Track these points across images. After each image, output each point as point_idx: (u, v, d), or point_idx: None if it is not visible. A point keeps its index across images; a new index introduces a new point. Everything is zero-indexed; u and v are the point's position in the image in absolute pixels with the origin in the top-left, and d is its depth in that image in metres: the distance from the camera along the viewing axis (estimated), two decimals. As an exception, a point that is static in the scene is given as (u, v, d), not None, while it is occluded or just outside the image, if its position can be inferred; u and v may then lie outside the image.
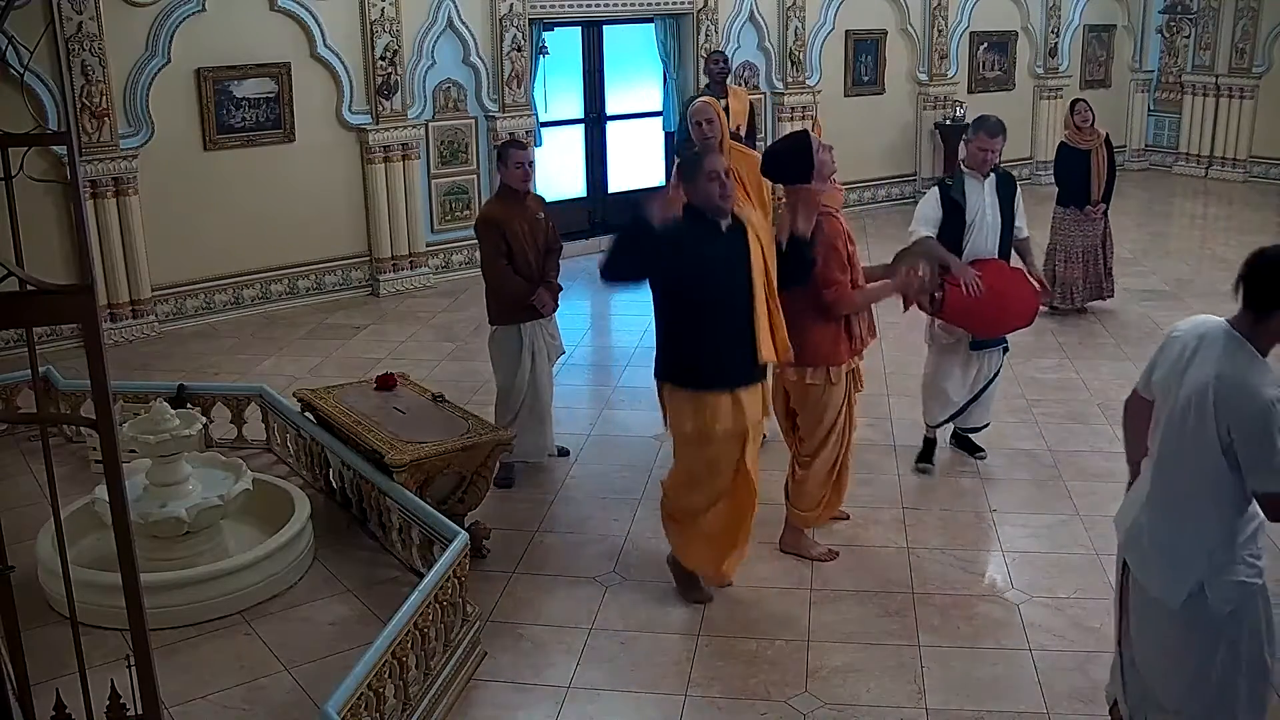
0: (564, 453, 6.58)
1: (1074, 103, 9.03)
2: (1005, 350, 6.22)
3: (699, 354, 4.55)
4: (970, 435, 6.41)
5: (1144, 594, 3.42)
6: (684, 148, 8.52)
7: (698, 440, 4.64)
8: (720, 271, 4.50)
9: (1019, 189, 6.08)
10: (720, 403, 4.56)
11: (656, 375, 4.77)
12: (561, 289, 6.24)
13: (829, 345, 5.03)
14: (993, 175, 5.89)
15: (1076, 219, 8.84)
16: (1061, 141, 9.07)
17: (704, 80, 11.58)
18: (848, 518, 5.68)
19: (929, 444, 6.33)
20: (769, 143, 6.91)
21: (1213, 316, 3.35)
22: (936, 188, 6.00)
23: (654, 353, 4.76)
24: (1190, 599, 3.27)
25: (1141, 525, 3.43)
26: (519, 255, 5.98)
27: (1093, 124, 8.73)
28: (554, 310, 6.18)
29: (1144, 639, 3.47)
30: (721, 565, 4.91)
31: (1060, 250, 8.91)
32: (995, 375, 6.20)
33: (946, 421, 6.28)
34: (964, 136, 5.96)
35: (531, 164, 6.18)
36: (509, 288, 6.01)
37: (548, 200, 11.25)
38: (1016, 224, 6.01)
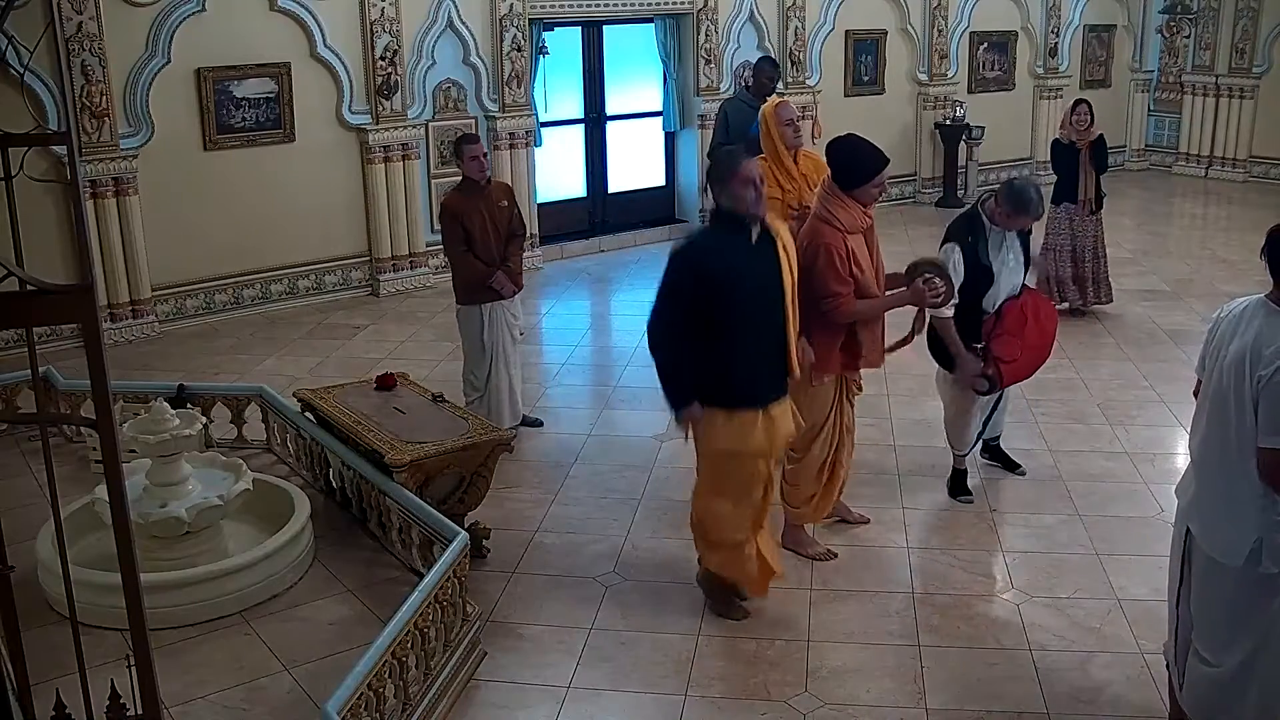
0: (537, 423, 6.98)
1: (1076, 103, 9.05)
2: None
3: (732, 371, 4.41)
4: (1001, 447, 6.23)
5: (1205, 557, 3.58)
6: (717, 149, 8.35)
7: (730, 459, 4.53)
8: (753, 285, 4.38)
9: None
10: (753, 420, 4.47)
11: None
12: (520, 273, 6.72)
13: (821, 353, 5.00)
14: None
15: (1069, 217, 8.86)
16: (1055, 139, 9.13)
17: (705, 80, 11.62)
18: (867, 521, 5.66)
19: (961, 475, 6.00)
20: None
21: (1255, 295, 3.55)
22: (958, 249, 5.45)
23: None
24: (1251, 554, 3.42)
25: (1201, 493, 3.58)
26: (479, 241, 6.50)
27: (1089, 127, 8.76)
28: (513, 292, 6.66)
29: (1203, 597, 3.62)
30: (767, 577, 4.83)
31: (1051, 250, 8.92)
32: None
33: (974, 446, 6.03)
34: (999, 204, 5.46)
35: (486, 155, 6.65)
36: (468, 271, 6.55)
37: (547, 200, 11.38)
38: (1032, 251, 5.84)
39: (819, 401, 5.16)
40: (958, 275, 5.40)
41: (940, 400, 6.05)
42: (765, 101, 8.33)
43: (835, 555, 5.33)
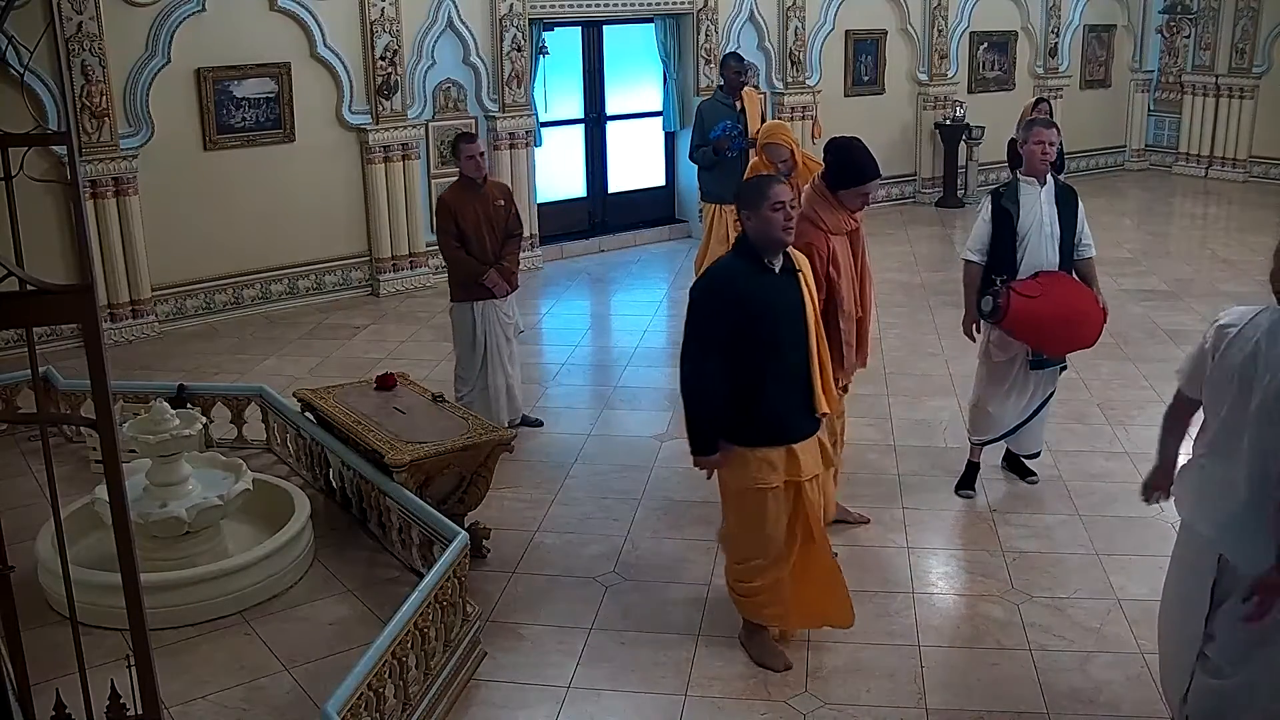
0: (537, 423, 6.98)
1: (1038, 101, 9.01)
2: (1063, 369, 5.94)
3: (754, 409, 4.24)
4: (1024, 460, 6.14)
5: (1238, 578, 3.44)
6: (710, 147, 8.35)
7: (751, 495, 4.35)
8: (777, 317, 4.23)
9: (1080, 202, 5.76)
10: (774, 458, 4.29)
11: None
12: (515, 272, 6.70)
13: None
14: (1051, 183, 5.62)
15: None
16: (1013, 139, 9.06)
17: (705, 80, 11.62)
18: (867, 521, 5.64)
19: (972, 468, 5.99)
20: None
21: (1258, 306, 3.42)
22: (989, 199, 5.67)
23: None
24: None
25: (1244, 517, 3.40)
26: (473, 238, 6.52)
27: None
28: (507, 292, 6.66)
29: (1235, 614, 3.47)
30: (848, 603, 4.56)
31: None
32: (1049, 397, 5.89)
33: (995, 441, 5.97)
34: (1018, 143, 5.65)
35: (483, 155, 6.64)
36: (460, 267, 6.57)
37: (547, 200, 11.38)
38: (1083, 240, 5.71)
39: None
40: (986, 231, 5.60)
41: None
42: (737, 97, 8.41)
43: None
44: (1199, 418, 3.67)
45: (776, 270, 4.27)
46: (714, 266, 4.43)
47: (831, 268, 4.91)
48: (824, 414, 4.40)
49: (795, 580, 4.49)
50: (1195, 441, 3.64)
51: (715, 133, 8.11)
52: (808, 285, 4.35)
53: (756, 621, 4.61)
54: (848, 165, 4.94)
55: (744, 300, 4.19)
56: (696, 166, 8.53)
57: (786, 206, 4.17)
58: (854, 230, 5.08)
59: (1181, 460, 3.76)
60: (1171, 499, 3.81)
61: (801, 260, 4.43)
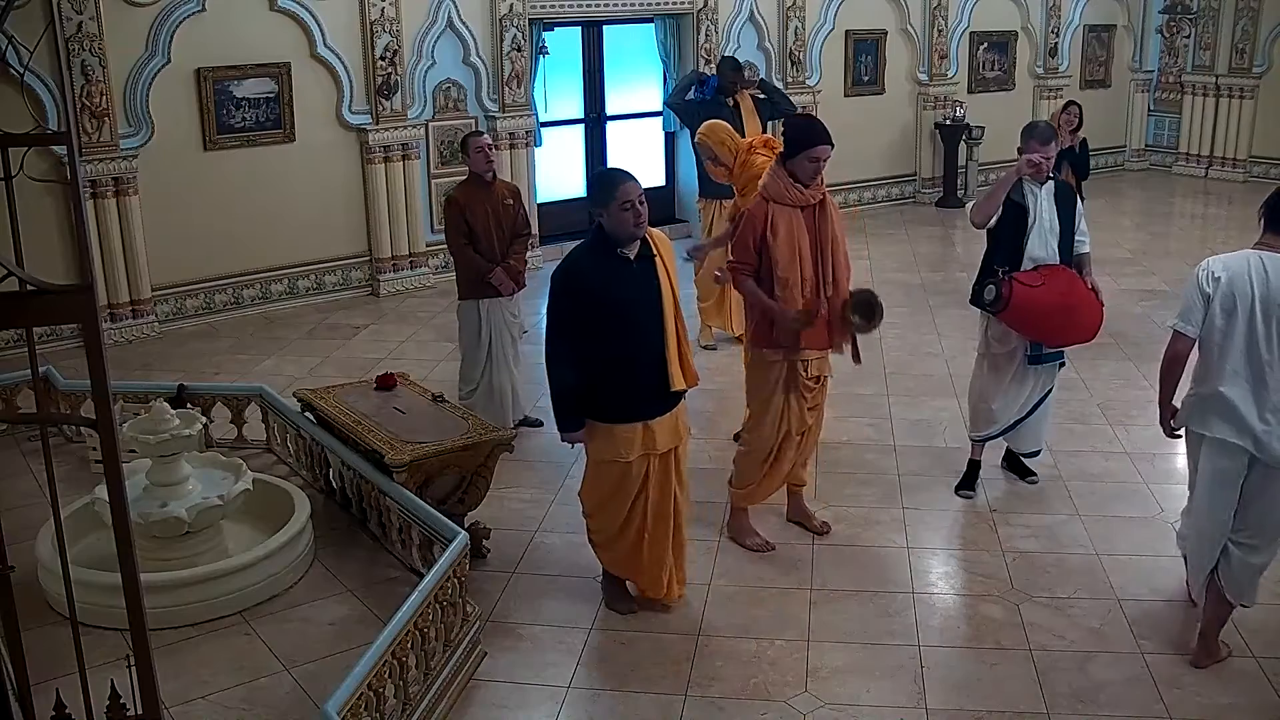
0: (537, 423, 6.96)
1: (1068, 104, 9.03)
2: (1061, 365, 5.94)
3: (610, 389, 4.55)
4: (1023, 458, 6.13)
5: (1266, 470, 4.19)
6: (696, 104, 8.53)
7: (608, 466, 4.67)
8: (630, 309, 4.49)
9: (1080, 202, 5.86)
10: (632, 434, 4.58)
11: None
12: (522, 271, 6.71)
13: (754, 326, 5.18)
14: (1050, 183, 5.66)
15: None
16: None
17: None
18: (827, 531, 5.56)
19: (973, 467, 6.01)
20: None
21: (1238, 253, 4.25)
22: None
23: None
24: None
25: (1271, 414, 4.14)
26: (481, 236, 6.53)
27: (1077, 129, 8.76)
28: (513, 291, 6.67)
29: (1265, 502, 4.26)
30: (661, 581, 4.83)
31: None
32: (1048, 393, 5.89)
33: (995, 437, 5.97)
34: (1018, 148, 5.71)
35: (491, 148, 6.64)
36: (468, 265, 6.56)
37: (547, 200, 11.36)
38: (1078, 236, 5.76)
39: (761, 382, 5.24)
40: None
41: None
42: (730, 98, 8.51)
43: (773, 548, 5.35)
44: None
45: (631, 258, 4.51)
46: (571, 256, 4.68)
47: (769, 233, 5.02)
48: (680, 390, 4.60)
49: (649, 544, 4.75)
50: (1198, 379, 4.30)
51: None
52: (666, 269, 4.57)
53: (611, 572, 4.94)
54: (793, 135, 5.14)
55: (596, 290, 4.48)
56: (685, 135, 8.67)
57: (635, 204, 4.41)
58: (816, 205, 5.10)
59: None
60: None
61: (661, 243, 4.64)
